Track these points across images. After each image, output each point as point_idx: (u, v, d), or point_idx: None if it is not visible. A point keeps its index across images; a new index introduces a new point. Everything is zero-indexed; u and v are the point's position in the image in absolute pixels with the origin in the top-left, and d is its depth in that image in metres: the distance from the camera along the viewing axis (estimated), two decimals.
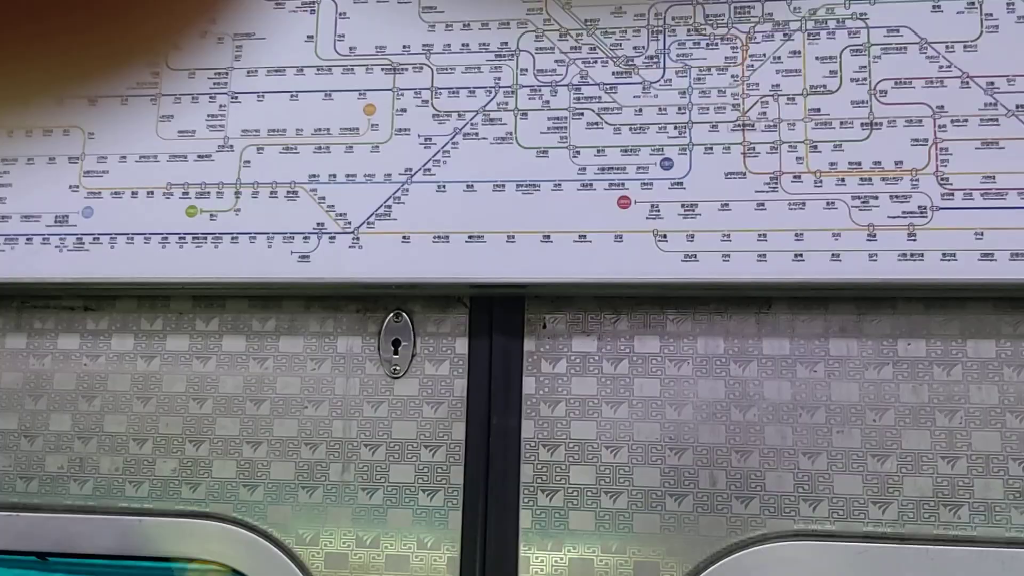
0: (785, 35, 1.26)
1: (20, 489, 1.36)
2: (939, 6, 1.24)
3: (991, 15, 1.22)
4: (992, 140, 1.20)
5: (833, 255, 1.20)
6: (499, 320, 1.32)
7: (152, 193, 1.33)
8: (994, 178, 1.19)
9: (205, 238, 1.30)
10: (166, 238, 1.31)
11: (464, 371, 1.32)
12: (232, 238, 1.30)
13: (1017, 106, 1.20)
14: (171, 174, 1.33)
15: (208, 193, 1.32)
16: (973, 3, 1.23)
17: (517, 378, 1.31)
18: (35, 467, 1.37)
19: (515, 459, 1.29)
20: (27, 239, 1.34)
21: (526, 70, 1.30)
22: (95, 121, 1.36)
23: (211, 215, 1.31)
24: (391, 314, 1.34)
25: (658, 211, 1.24)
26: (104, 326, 1.39)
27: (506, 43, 1.31)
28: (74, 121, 1.37)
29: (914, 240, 1.19)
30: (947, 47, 1.23)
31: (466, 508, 1.28)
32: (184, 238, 1.31)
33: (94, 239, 1.33)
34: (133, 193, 1.33)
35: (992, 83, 1.21)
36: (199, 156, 1.33)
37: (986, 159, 1.19)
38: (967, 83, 1.21)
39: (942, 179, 1.20)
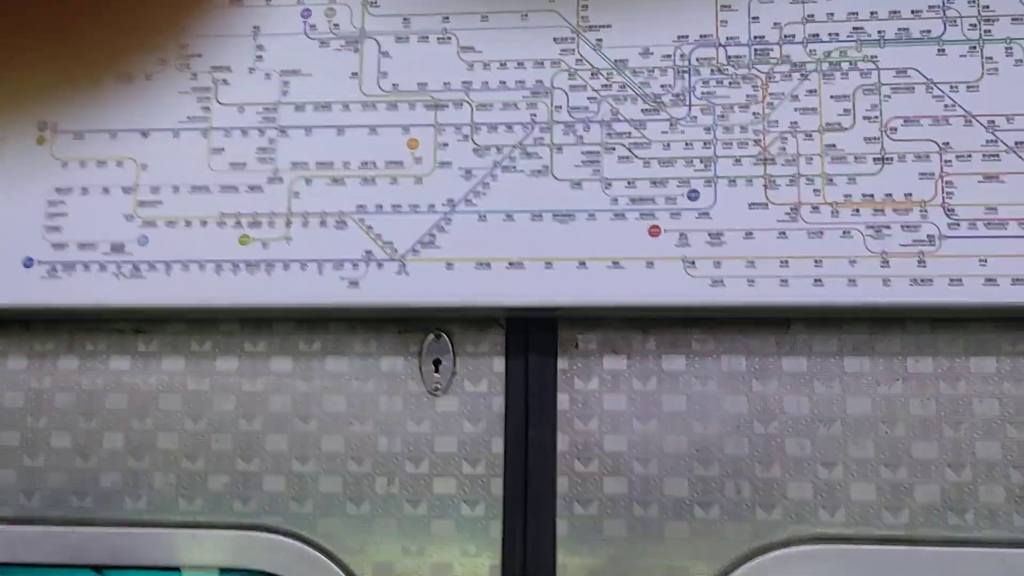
0: (802, 75, 1.35)
1: (75, 504, 1.43)
2: (943, 49, 1.34)
3: (991, 58, 1.33)
4: (993, 174, 1.30)
5: (850, 280, 1.29)
6: (534, 340, 1.40)
7: (205, 222, 1.40)
8: (996, 209, 1.29)
9: (258, 265, 1.38)
10: (220, 265, 1.38)
11: (501, 388, 1.40)
12: (284, 265, 1.37)
13: (1016, 143, 1.30)
14: (223, 204, 1.40)
15: (260, 223, 1.39)
16: (975, 47, 1.33)
17: (552, 395, 1.39)
18: (89, 484, 1.43)
19: (551, 471, 1.37)
20: (84, 266, 1.40)
21: (560, 107, 1.38)
22: (148, 153, 1.43)
23: (263, 243, 1.38)
24: (431, 335, 1.42)
25: (686, 239, 1.33)
26: (155, 348, 1.45)
27: (541, 81, 1.39)
28: (128, 153, 1.43)
29: (924, 266, 1.29)
30: (951, 87, 1.33)
31: (506, 518, 1.37)
32: (237, 265, 1.38)
33: (150, 266, 1.39)
34: (187, 222, 1.40)
35: (993, 121, 1.31)
36: (250, 187, 1.40)
37: (988, 192, 1.30)
38: (970, 121, 1.32)
39: (948, 210, 1.30)
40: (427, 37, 1.42)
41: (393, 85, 1.41)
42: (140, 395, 1.45)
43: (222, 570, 1.39)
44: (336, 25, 1.44)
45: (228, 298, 1.38)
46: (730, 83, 1.36)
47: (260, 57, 1.44)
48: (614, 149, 1.36)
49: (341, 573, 1.36)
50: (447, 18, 1.42)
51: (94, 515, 1.42)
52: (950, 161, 1.31)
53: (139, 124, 1.44)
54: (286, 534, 1.39)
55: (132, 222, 1.41)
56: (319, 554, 1.38)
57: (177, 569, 1.39)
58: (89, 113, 1.45)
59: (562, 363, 1.39)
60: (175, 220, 1.41)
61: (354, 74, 1.42)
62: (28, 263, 1.41)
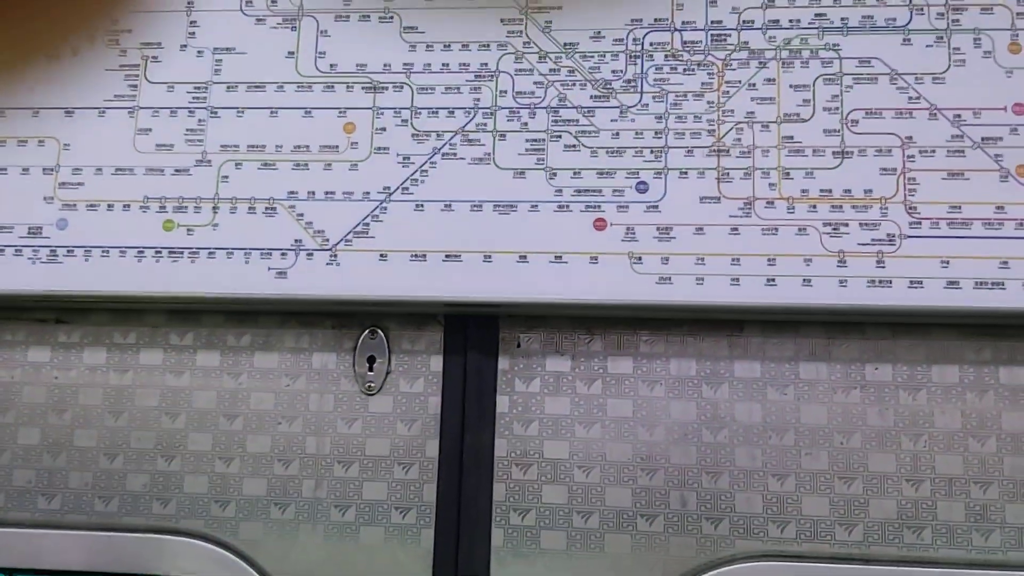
0: (760, 63, 1.28)
1: None
2: (909, 39, 1.27)
3: (959, 49, 1.26)
4: (958, 171, 1.23)
5: (804, 280, 1.22)
6: (474, 338, 1.33)
7: (128, 206, 1.32)
8: (960, 208, 1.22)
9: (182, 252, 1.30)
10: (142, 252, 1.31)
11: (438, 389, 1.33)
12: (209, 253, 1.30)
13: (983, 138, 1.23)
14: (148, 188, 1.33)
15: (186, 208, 1.32)
16: (941, 37, 1.26)
17: (491, 396, 1.31)
18: (2, 481, 1.35)
19: (488, 478, 1.29)
20: None
21: (505, 92, 1.31)
22: (71, 132, 1.35)
23: (188, 230, 1.31)
24: (366, 331, 1.34)
25: (633, 234, 1.25)
26: (76, 339, 1.37)
27: (486, 64, 1.32)
28: (50, 132, 1.36)
29: (883, 267, 1.21)
30: (916, 79, 1.26)
31: (438, 526, 1.29)
32: (160, 252, 1.31)
33: (68, 251, 1.32)
34: (109, 206, 1.33)
35: (959, 115, 1.24)
36: (177, 170, 1.33)
37: (953, 189, 1.23)
38: (935, 115, 1.24)
39: (910, 208, 1.23)
40: (368, 16, 1.35)
41: (331, 66, 1.34)
42: (59, 388, 1.37)
43: None
44: (274, 2, 1.37)
45: (150, 286, 1.30)
46: (684, 70, 1.29)
47: (193, 34, 1.37)
48: (560, 137, 1.29)
49: None
50: None
51: (4, 515, 1.34)
52: (913, 156, 1.24)
53: (63, 102, 1.37)
54: (206, 539, 1.31)
55: (51, 204, 1.34)
56: (240, 560, 1.30)
57: (91, 573, 1.31)
58: (10, 90, 1.38)
59: (503, 363, 1.32)
60: (97, 203, 1.33)
61: (291, 53, 1.35)
62: None
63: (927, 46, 1.27)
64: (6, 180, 1.35)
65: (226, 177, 1.32)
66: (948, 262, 1.20)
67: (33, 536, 1.32)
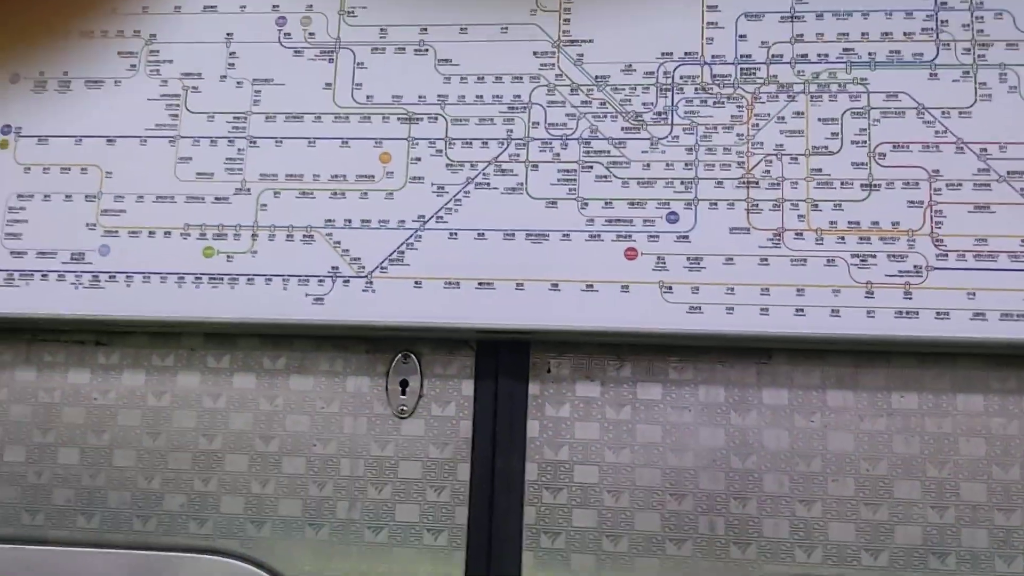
0: (789, 96, 1.31)
1: (27, 522, 1.38)
2: (936, 74, 1.29)
3: (985, 84, 1.28)
4: (984, 204, 1.25)
5: (832, 311, 1.24)
6: (505, 364, 1.35)
7: (169, 233, 1.36)
8: (986, 241, 1.24)
9: (221, 279, 1.33)
10: (182, 277, 1.34)
11: (470, 413, 1.35)
12: (248, 279, 1.33)
13: (1008, 172, 1.25)
14: (189, 215, 1.36)
15: (225, 235, 1.35)
16: (968, 72, 1.29)
17: (521, 421, 1.34)
18: (42, 500, 1.38)
19: (518, 501, 1.32)
20: (42, 275, 1.36)
21: (537, 123, 1.34)
22: (113, 160, 1.39)
23: (228, 256, 1.34)
24: (399, 355, 1.37)
25: (664, 263, 1.28)
26: (115, 361, 1.41)
27: (519, 96, 1.35)
28: (93, 160, 1.39)
29: (910, 298, 1.24)
30: (943, 113, 1.28)
31: (470, 549, 1.31)
32: (200, 278, 1.34)
33: (110, 276, 1.35)
34: (150, 233, 1.36)
35: (985, 149, 1.26)
36: (217, 198, 1.36)
37: (979, 222, 1.25)
38: (961, 148, 1.27)
39: (937, 240, 1.25)
40: (404, 48, 1.38)
41: (367, 97, 1.37)
42: (98, 409, 1.40)
43: None
44: (311, 34, 1.40)
45: (190, 311, 1.34)
46: (714, 102, 1.32)
47: (232, 64, 1.40)
48: (592, 168, 1.32)
49: None
50: (425, 29, 1.38)
51: (46, 533, 1.37)
52: (940, 189, 1.26)
53: (106, 130, 1.40)
54: (241, 558, 1.34)
55: (94, 231, 1.37)
56: None
57: None
58: (55, 118, 1.41)
59: (533, 388, 1.34)
60: (138, 230, 1.36)
61: (328, 85, 1.38)
62: None
63: (954, 81, 1.29)
64: (50, 207, 1.38)
65: (265, 205, 1.35)
66: (974, 294, 1.23)
67: (73, 554, 1.35)
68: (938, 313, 1.23)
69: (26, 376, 1.42)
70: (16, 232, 1.38)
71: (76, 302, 1.36)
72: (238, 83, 1.40)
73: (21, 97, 1.43)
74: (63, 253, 1.37)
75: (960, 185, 1.26)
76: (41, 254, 1.37)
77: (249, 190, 1.36)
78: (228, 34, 1.41)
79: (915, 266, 1.25)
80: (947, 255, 1.24)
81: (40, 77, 1.43)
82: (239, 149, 1.37)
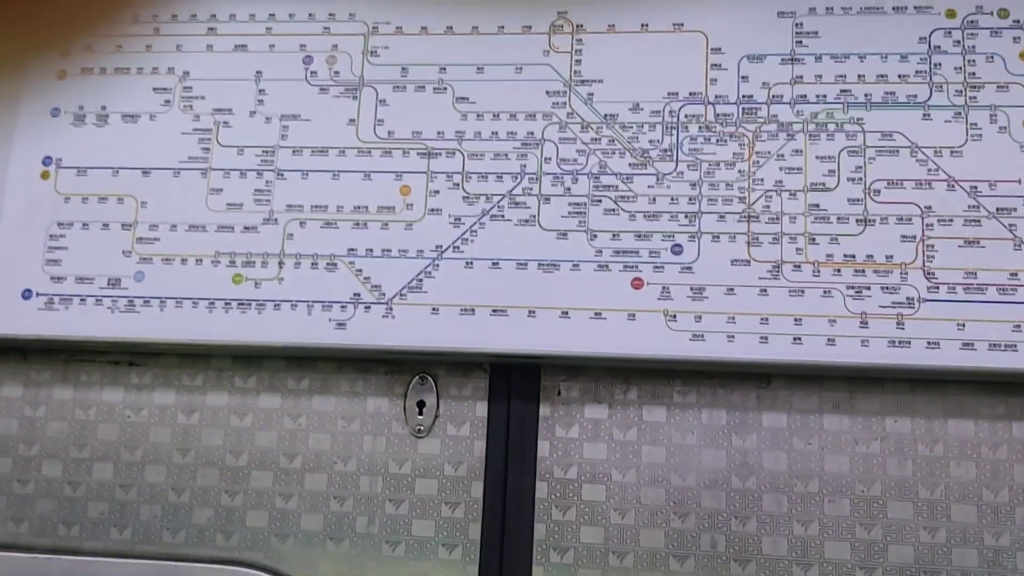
0: (788, 135, 1.38)
1: (63, 533, 1.45)
2: (929, 114, 1.36)
3: (976, 124, 1.35)
4: (974, 239, 1.31)
5: (828, 340, 1.31)
6: (517, 386, 1.42)
7: (201, 261, 1.43)
8: (975, 274, 1.30)
9: (250, 304, 1.41)
10: (213, 303, 1.42)
11: (483, 433, 1.42)
12: (275, 305, 1.40)
13: (998, 209, 1.32)
14: (219, 243, 1.44)
15: (254, 262, 1.42)
16: (960, 113, 1.35)
17: (532, 441, 1.41)
18: (78, 513, 1.46)
19: (529, 518, 1.38)
20: (81, 299, 1.44)
21: (550, 158, 1.41)
22: (148, 191, 1.47)
23: (256, 283, 1.42)
24: (417, 377, 1.44)
25: (668, 293, 1.35)
26: (148, 381, 1.48)
27: (532, 133, 1.42)
28: (129, 190, 1.47)
29: (902, 328, 1.30)
30: (936, 152, 1.35)
31: (483, 563, 1.38)
32: (230, 304, 1.41)
33: (145, 301, 1.43)
34: (183, 260, 1.44)
35: (975, 187, 1.33)
36: (246, 227, 1.44)
37: (969, 256, 1.31)
38: (953, 186, 1.33)
39: (928, 273, 1.31)
40: (424, 87, 1.46)
41: (389, 132, 1.45)
42: (131, 426, 1.47)
43: None
44: (336, 72, 1.48)
45: (219, 335, 1.41)
46: (717, 140, 1.39)
47: (261, 101, 1.48)
48: (600, 201, 1.39)
49: None
50: (444, 69, 1.46)
51: (81, 544, 1.45)
52: (932, 225, 1.33)
53: (141, 162, 1.48)
54: (265, 570, 1.41)
55: (129, 258, 1.45)
56: None
57: None
58: (93, 150, 1.49)
59: (544, 410, 1.41)
60: (171, 257, 1.44)
61: (351, 120, 1.46)
62: (27, 294, 1.45)
63: (946, 121, 1.36)
64: (88, 235, 1.46)
65: (291, 235, 1.43)
66: (964, 325, 1.29)
67: (107, 565, 1.42)
68: (929, 343, 1.29)
69: (63, 394, 1.49)
70: (56, 259, 1.46)
71: (111, 325, 1.43)
72: (267, 119, 1.47)
73: (62, 130, 1.51)
74: (100, 279, 1.45)
75: (951, 221, 1.33)
76: (80, 279, 1.45)
77: (276, 220, 1.44)
78: (257, 72, 1.49)
79: (907, 298, 1.31)
80: (938, 288, 1.31)
81: (79, 111, 1.51)
82: (267, 181, 1.45)
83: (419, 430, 1.42)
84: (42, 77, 1.53)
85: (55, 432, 1.49)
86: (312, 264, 1.42)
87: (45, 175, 1.50)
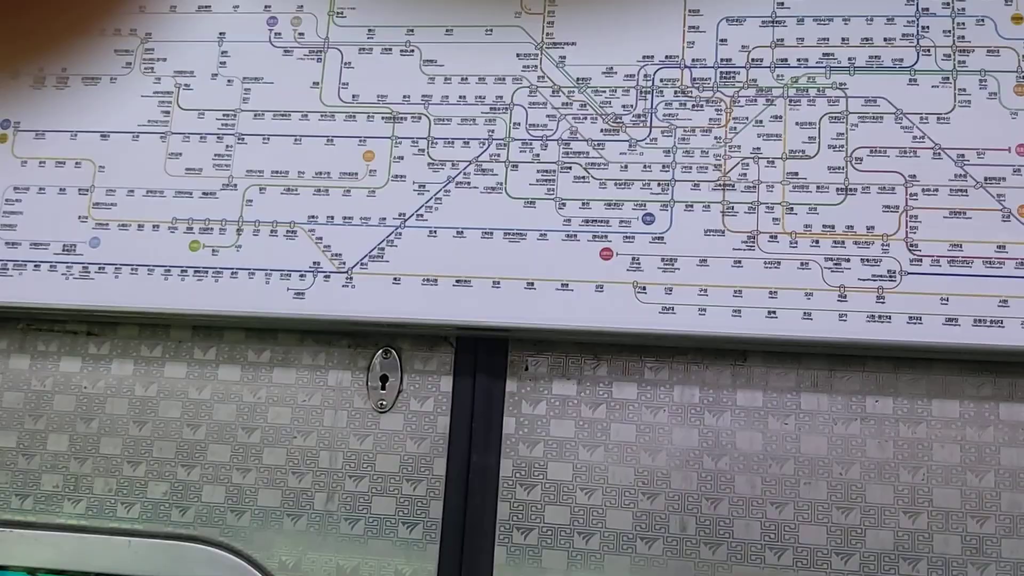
0: (768, 100, 1.32)
1: (15, 506, 1.41)
2: (915, 79, 1.29)
3: (964, 90, 1.28)
4: (960, 210, 1.25)
5: (805, 314, 1.25)
6: (483, 361, 1.37)
7: (158, 227, 1.39)
8: (961, 246, 1.24)
9: (207, 272, 1.36)
10: (169, 270, 1.37)
11: (448, 409, 1.37)
12: (232, 273, 1.36)
13: (985, 178, 1.25)
14: (177, 209, 1.39)
15: (211, 229, 1.38)
16: (948, 78, 1.29)
17: (498, 418, 1.35)
18: (31, 485, 1.42)
19: (493, 497, 1.33)
20: (35, 265, 1.40)
21: (519, 124, 1.36)
22: (106, 155, 1.43)
23: (213, 250, 1.37)
24: (380, 351, 1.39)
25: (639, 264, 1.29)
26: (105, 351, 1.44)
27: (501, 97, 1.37)
28: (86, 154, 1.43)
29: (883, 303, 1.24)
30: (921, 118, 1.28)
31: (444, 542, 1.33)
32: (186, 271, 1.37)
33: (100, 268, 1.39)
34: (139, 226, 1.39)
35: (963, 155, 1.26)
36: (204, 193, 1.39)
37: (954, 228, 1.25)
38: (939, 154, 1.27)
39: (911, 245, 1.25)
40: (390, 49, 1.41)
41: (353, 96, 1.40)
42: (88, 398, 1.43)
43: None
44: (301, 34, 1.43)
45: (177, 303, 1.37)
46: (693, 106, 1.33)
47: (224, 63, 1.44)
48: (570, 168, 1.33)
49: None
50: (411, 31, 1.40)
51: (31, 517, 1.41)
52: (916, 194, 1.26)
53: (100, 126, 1.44)
54: (221, 546, 1.36)
55: (85, 223, 1.41)
56: (253, 569, 1.35)
57: None
58: (52, 113, 1.45)
59: (511, 386, 1.36)
60: (128, 223, 1.40)
61: (315, 84, 1.41)
62: None
63: (933, 87, 1.29)
64: (44, 199, 1.42)
65: (250, 201, 1.38)
66: (948, 299, 1.23)
67: (58, 539, 1.39)
68: (911, 318, 1.23)
69: (20, 364, 1.46)
70: (11, 224, 1.42)
71: (67, 293, 1.39)
72: (228, 81, 1.43)
73: (21, 92, 1.47)
74: (55, 244, 1.41)
75: (936, 191, 1.26)
76: (35, 245, 1.41)
77: (236, 186, 1.39)
78: (220, 33, 1.45)
79: (889, 271, 1.25)
80: (921, 260, 1.25)
81: (39, 73, 1.47)
82: (227, 146, 1.41)
83: (381, 405, 1.37)
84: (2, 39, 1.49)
85: (10, 402, 1.45)
86: (271, 231, 1.37)
87: (3, 138, 1.46)
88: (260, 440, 1.39)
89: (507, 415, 1.35)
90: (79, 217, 1.41)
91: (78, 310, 1.40)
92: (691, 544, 1.28)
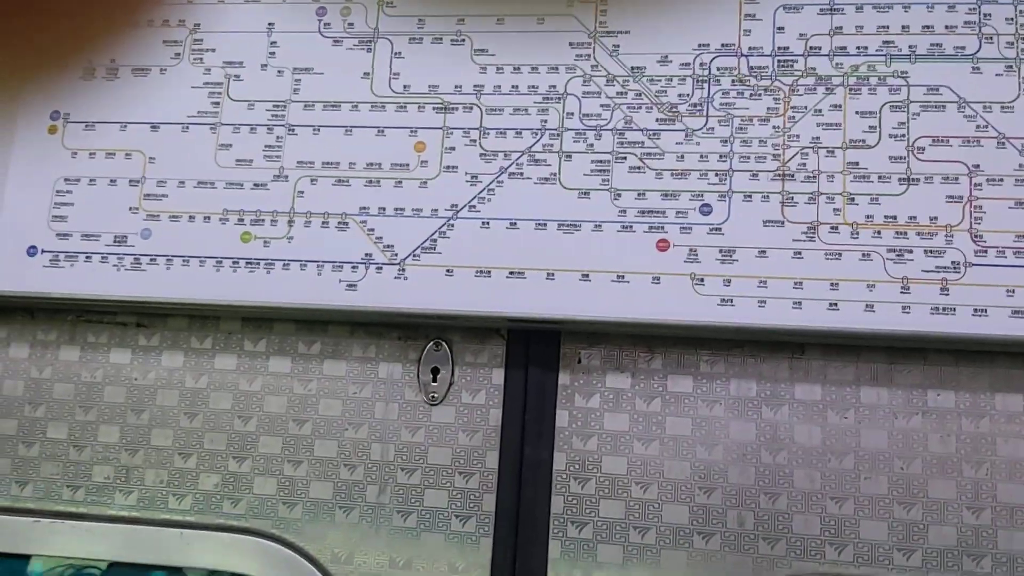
0: (827, 89, 1.29)
1: (67, 497, 1.41)
2: (978, 67, 1.27)
3: None
4: None
5: (867, 306, 1.23)
6: (535, 353, 1.36)
7: (209, 218, 1.38)
8: None
9: (258, 263, 1.36)
10: (220, 262, 1.37)
11: (499, 401, 1.36)
12: (284, 264, 1.35)
13: None
14: (228, 201, 1.39)
15: (263, 220, 1.37)
16: (1011, 66, 1.26)
17: (551, 411, 1.34)
18: (82, 476, 1.42)
19: (546, 490, 1.32)
20: (86, 257, 1.40)
21: (572, 113, 1.34)
22: (157, 146, 1.42)
23: (265, 242, 1.36)
24: (431, 343, 1.38)
25: (696, 255, 1.27)
26: (155, 343, 1.44)
27: (554, 87, 1.35)
28: (137, 145, 1.42)
29: (947, 294, 1.21)
30: (984, 107, 1.26)
31: (497, 536, 1.32)
32: (238, 263, 1.36)
33: (151, 260, 1.38)
34: (190, 217, 1.39)
35: None
36: (255, 184, 1.38)
37: (1020, 218, 1.22)
38: (1003, 143, 1.24)
39: (976, 236, 1.22)
40: (441, 38, 1.39)
41: (404, 86, 1.39)
42: (138, 389, 1.43)
43: (208, 572, 1.36)
44: (351, 24, 1.42)
45: (227, 295, 1.36)
46: (751, 94, 1.31)
47: (273, 54, 1.43)
48: (625, 159, 1.32)
49: None
50: (462, 20, 1.39)
51: (84, 509, 1.41)
52: (980, 184, 1.24)
53: (150, 117, 1.43)
54: (273, 539, 1.36)
55: (136, 215, 1.40)
56: (305, 561, 1.34)
57: (163, 568, 1.37)
58: (102, 104, 1.45)
59: (563, 378, 1.35)
60: (179, 215, 1.39)
61: (366, 74, 1.40)
62: (32, 251, 1.41)
63: (996, 75, 1.26)
64: (95, 191, 1.42)
65: (301, 192, 1.37)
66: (1014, 291, 1.20)
67: (110, 530, 1.38)
68: (976, 310, 1.21)
69: (70, 356, 1.46)
70: (62, 215, 1.42)
71: (118, 284, 1.39)
72: (279, 72, 1.42)
73: (70, 84, 1.47)
74: (106, 236, 1.40)
75: (1001, 180, 1.24)
76: (86, 236, 1.41)
77: (287, 177, 1.38)
78: (270, 24, 1.44)
79: (953, 262, 1.22)
80: (986, 251, 1.22)
81: (88, 65, 1.47)
82: (278, 137, 1.40)
83: (433, 397, 1.36)
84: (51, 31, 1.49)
85: (61, 394, 1.45)
86: (323, 223, 1.36)
87: (52, 130, 1.45)
88: (311, 432, 1.38)
89: (560, 408, 1.34)
90: (130, 208, 1.41)
91: (129, 302, 1.40)
92: (749, 539, 1.27)
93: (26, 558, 1.39)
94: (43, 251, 1.41)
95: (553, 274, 1.29)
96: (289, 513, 1.36)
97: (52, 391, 1.45)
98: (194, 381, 1.42)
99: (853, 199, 1.26)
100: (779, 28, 1.32)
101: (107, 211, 1.41)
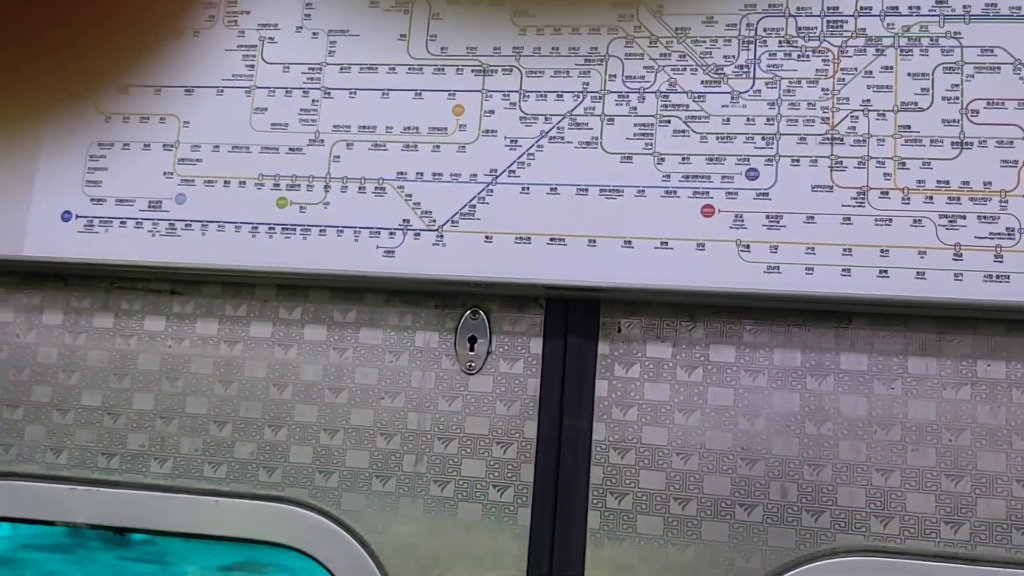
0: (878, 50, 1.26)
1: (102, 465, 1.41)
2: None
3: None
4: None
5: (918, 273, 1.19)
6: (574, 322, 1.34)
7: (244, 183, 1.37)
8: None
9: (294, 229, 1.34)
10: (256, 227, 1.35)
11: (538, 371, 1.34)
12: (320, 230, 1.33)
13: None
14: (263, 165, 1.37)
15: (299, 186, 1.35)
16: None
17: (590, 380, 1.32)
18: (117, 444, 1.41)
19: (585, 460, 1.30)
20: (121, 222, 1.39)
21: (615, 76, 1.31)
22: (191, 110, 1.40)
23: (301, 207, 1.34)
24: (468, 311, 1.36)
25: (742, 221, 1.24)
26: (190, 310, 1.42)
27: (596, 48, 1.32)
28: (171, 109, 1.41)
29: (1000, 262, 1.18)
30: None
31: (535, 506, 1.30)
32: (273, 228, 1.34)
33: (186, 225, 1.37)
34: (225, 182, 1.37)
35: None
36: (291, 149, 1.36)
37: None
38: None
39: None
40: None
41: (442, 48, 1.36)
42: (172, 357, 1.42)
43: (243, 541, 1.36)
44: None
45: (262, 262, 1.34)
46: (799, 56, 1.27)
47: (308, 16, 1.40)
48: (669, 122, 1.29)
49: (363, 551, 1.32)
50: None
51: (119, 476, 1.40)
52: None
53: (184, 81, 1.41)
54: (309, 507, 1.35)
55: (171, 179, 1.39)
56: (342, 531, 1.33)
57: (198, 536, 1.36)
58: (135, 68, 1.43)
59: (603, 348, 1.32)
60: (214, 180, 1.38)
61: (402, 36, 1.37)
62: (66, 216, 1.40)
63: None
64: (129, 155, 1.40)
65: (337, 157, 1.35)
66: None
67: (146, 498, 1.38)
68: None
69: (104, 323, 1.44)
70: (96, 180, 1.41)
71: (153, 250, 1.37)
72: (314, 34, 1.39)
73: (104, 49, 1.44)
74: (141, 201, 1.39)
75: None
76: (120, 201, 1.39)
77: (323, 141, 1.36)
78: None
79: (1007, 228, 1.19)
80: None
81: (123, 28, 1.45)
82: (313, 100, 1.37)
83: (470, 366, 1.35)
84: None
85: (95, 361, 1.44)
86: (359, 188, 1.34)
87: (86, 94, 1.43)
88: (347, 401, 1.37)
89: (599, 378, 1.32)
90: (164, 173, 1.39)
91: (163, 268, 1.38)
92: (792, 511, 1.24)
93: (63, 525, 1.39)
94: (77, 216, 1.40)
95: (595, 241, 1.27)
96: (325, 482, 1.35)
97: (86, 358, 1.44)
98: (229, 349, 1.41)
99: (904, 163, 1.22)
100: None
101: (141, 176, 1.40)
